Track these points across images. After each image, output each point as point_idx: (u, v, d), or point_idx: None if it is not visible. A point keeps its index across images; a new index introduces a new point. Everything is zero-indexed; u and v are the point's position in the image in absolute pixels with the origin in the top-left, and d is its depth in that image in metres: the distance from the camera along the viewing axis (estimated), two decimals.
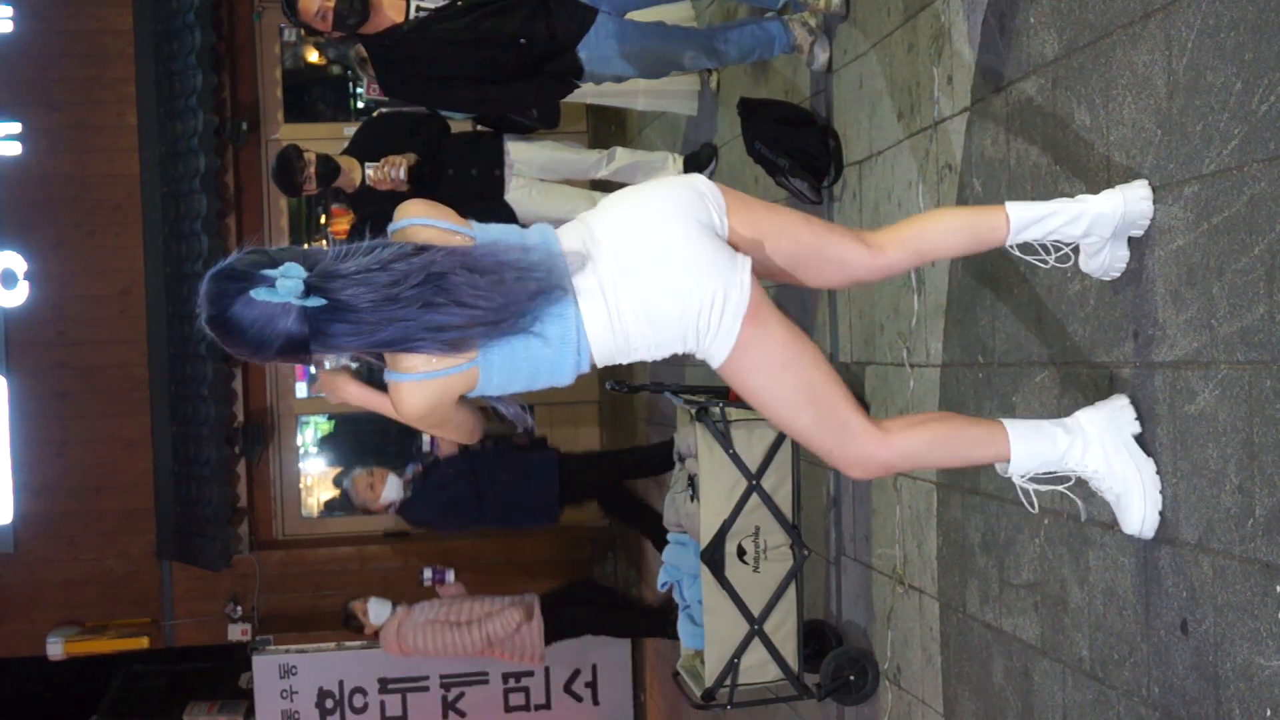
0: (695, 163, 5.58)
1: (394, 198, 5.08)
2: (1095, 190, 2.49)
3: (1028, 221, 2.45)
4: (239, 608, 8.04)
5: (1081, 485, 2.49)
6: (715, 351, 2.34)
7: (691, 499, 4.41)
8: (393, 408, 2.39)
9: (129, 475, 8.03)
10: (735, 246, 2.38)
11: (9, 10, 7.92)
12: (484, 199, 5.51)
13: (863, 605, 4.18)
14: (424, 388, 2.23)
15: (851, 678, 4.09)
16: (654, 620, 6.69)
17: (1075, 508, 2.65)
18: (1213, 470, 2.25)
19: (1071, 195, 2.52)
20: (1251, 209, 2.13)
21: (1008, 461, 2.45)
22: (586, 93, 5.12)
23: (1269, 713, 2.12)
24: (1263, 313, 2.10)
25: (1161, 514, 2.40)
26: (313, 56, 8.94)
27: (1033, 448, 2.42)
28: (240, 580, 8.12)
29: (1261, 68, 2.09)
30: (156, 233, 7.89)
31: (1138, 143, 2.46)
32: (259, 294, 2.09)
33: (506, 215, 5.46)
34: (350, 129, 6.65)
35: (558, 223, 2.44)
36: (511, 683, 7.67)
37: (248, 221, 8.19)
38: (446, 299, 2.14)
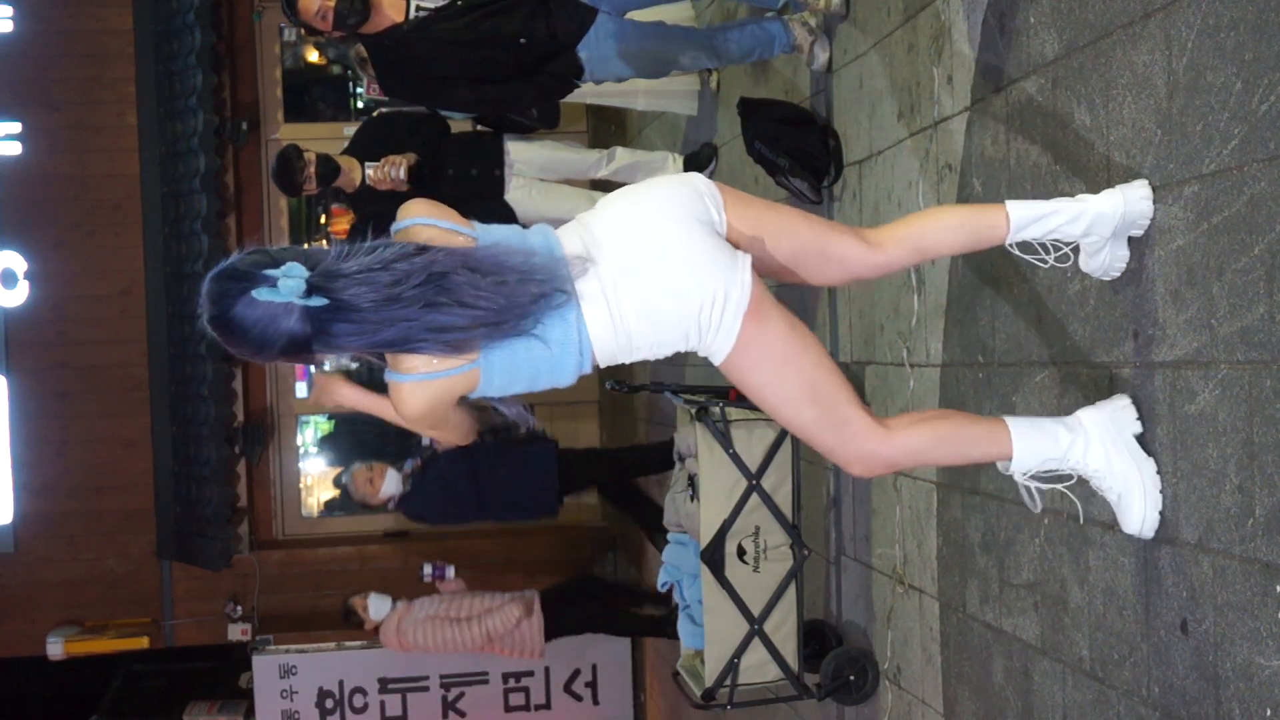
0: (695, 162, 5.58)
1: (394, 198, 5.09)
2: (1095, 190, 2.49)
3: (1028, 220, 2.45)
4: (239, 608, 8.04)
5: (1082, 485, 2.49)
6: (717, 349, 2.34)
7: (691, 499, 4.41)
8: (387, 409, 2.39)
9: (129, 475, 8.03)
10: (735, 244, 2.38)
11: (9, 10, 7.92)
12: (484, 199, 5.51)
13: (863, 605, 4.18)
14: (425, 388, 2.23)
15: (851, 677, 4.09)
16: (654, 619, 6.69)
17: (1075, 508, 2.65)
18: (1213, 470, 2.25)
19: (1071, 195, 2.52)
20: (1251, 209, 2.13)
21: (1009, 459, 2.45)
22: (586, 93, 5.12)
23: (1269, 713, 2.12)
24: (1263, 313, 2.10)
25: (1161, 514, 2.40)
26: (313, 56, 8.94)
27: (1034, 445, 2.42)
28: (240, 580, 8.12)
29: (1261, 68, 2.09)
30: (156, 233, 7.89)
31: (1138, 142, 2.46)
32: (261, 294, 2.09)
33: (506, 215, 5.46)
34: (350, 129, 6.65)
35: (558, 222, 2.44)
36: (511, 683, 7.67)
37: (248, 221, 8.19)
38: (448, 299, 2.14)
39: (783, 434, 4.16)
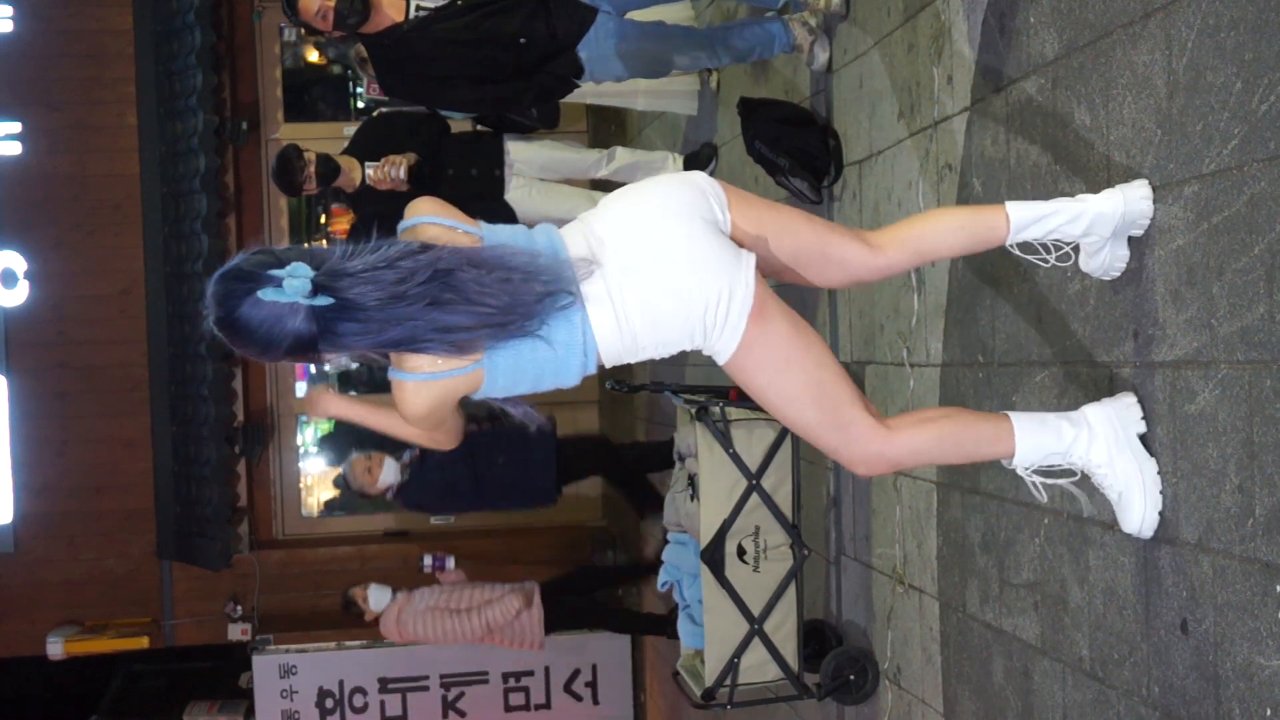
0: (695, 162, 5.58)
1: (394, 197, 5.10)
2: (1095, 190, 2.49)
3: (1028, 221, 2.45)
4: (239, 607, 8.04)
5: (1085, 481, 2.50)
6: (721, 349, 2.34)
7: (691, 498, 4.41)
8: (379, 419, 2.41)
9: (129, 475, 8.03)
10: (738, 240, 2.38)
11: (9, 10, 7.92)
12: (484, 199, 5.51)
13: (863, 605, 4.18)
14: (429, 388, 2.23)
15: (851, 677, 4.10)
16: (654, 616, 6.69)
17: (1076, 507, 2.65)
18: (1213, 470, 2.25)
19: (1071, 195, 2.52)
20: (1251, 209, 2.13)
21: (1012, 456, 2.45)
22: (586, 93, 5.12)
23: (1269, 712, 2.12)
24: (1263, 312, 2.10)
25: (1161, 514, 2.40)
26: (313, 56, 8.94)
27: (1037, 441, 2.42)
28: (240, 580, 8.12)
29: (1261, 67, 2.09)
30: (156, 233, 7.89)
31: (1138, 142, 2.46)
32: (266, 294, 2.08)
33: (506, 215, 5.46)
34: (350, 129, 6.65)
35: (558, 222, 2.44)
36: (511, 682, 7.68)
37: (248, 221, 8.18)
38: (454, 296, 2.14)
39: (783, 434, 4.16)
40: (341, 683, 7.56)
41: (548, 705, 7.71)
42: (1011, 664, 3.10)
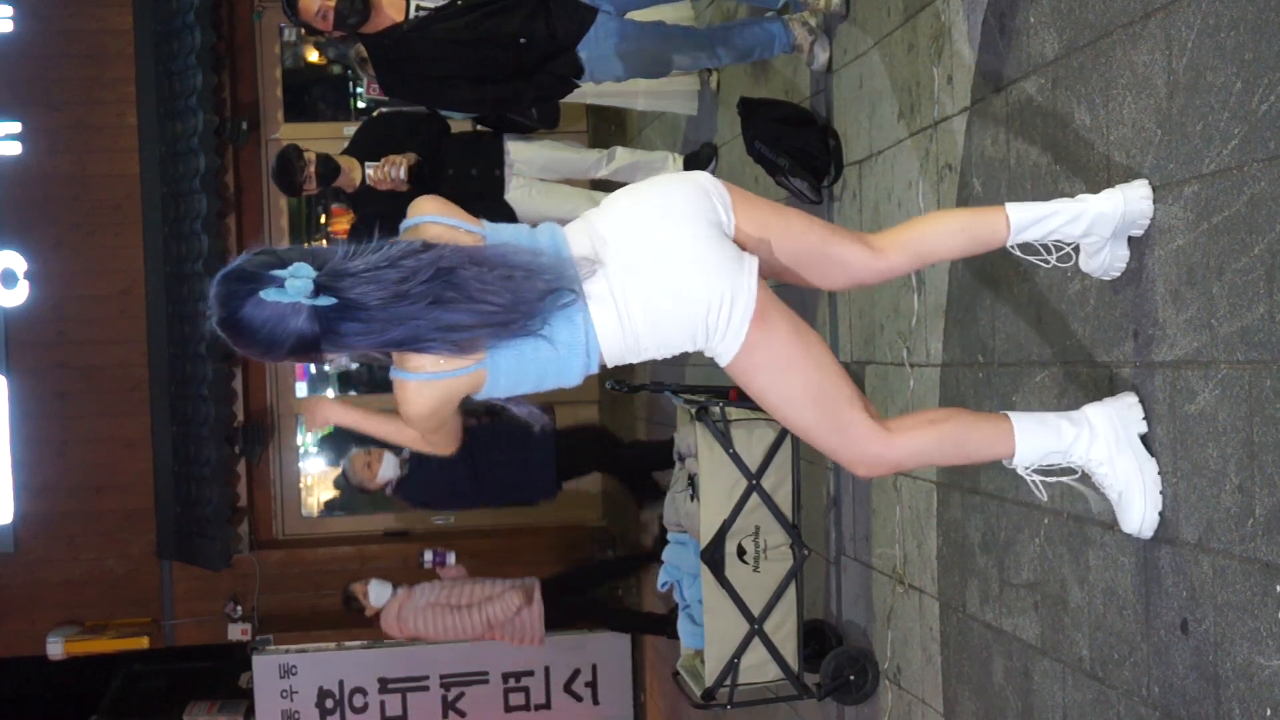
0: (695, 162, 5.58)
1: (394, 197, 5.10)
2: (1095, 190, 2.49)
3: (1028, 222, 2.45)
4: (239, 607, 8.04)
5: (1085, 480, 2.50)
6: (723, 351, 2.35)
7: (691, 499, 4.41)
8: (380, 426, 2.41)
9: (129, 475, 8.03)
10: (741, 245, 2.38)
11: (9, 10, 7.92)
12: (484, 199, 5.51)
13: (863, 605, 4.18)
14: (431, 388, 2.23)
15: (851, 677, 4.09)
16: (654, 617, 6.69)
17: (1076, 507, 2.65)
18: (1213, 470, 2.25)
19: (1071, 195, 2.52)
20: (1251, 208, 2.13)
21: (1013, 456, 2.45)
22: (586, 93, 5.12)
23: (1269, 712, 2.12)
24: (1263, 312, 2.10)
25: (1161, 514, 2.40)
26: (313, 56, 8.94)
27: (1037, 441, 2.42)
28: (240, 580, 8.12)
29: (1261, 67, 2.09)
30: (156, 233, 7.89)
31: (1138, 142, 2.46)
32: (269, 294, 2.08)
33: (507, 215, 5.46)
34: (350, 129, 6.66)
35: (560, 223, 2.44)
36: (511, 682, 7.68)
37: (248, 221, 8.18)
38: (456, 294, 2.14)
39: (783, 434, 4.17)
40: (341, 683, 7.56)
41: (548, 705, 7.71)
42: (1011, 664, 3.10)
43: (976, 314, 3.23)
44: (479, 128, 5.88)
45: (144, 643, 7.88)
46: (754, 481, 4.17)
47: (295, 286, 2.08)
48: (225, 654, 8.33)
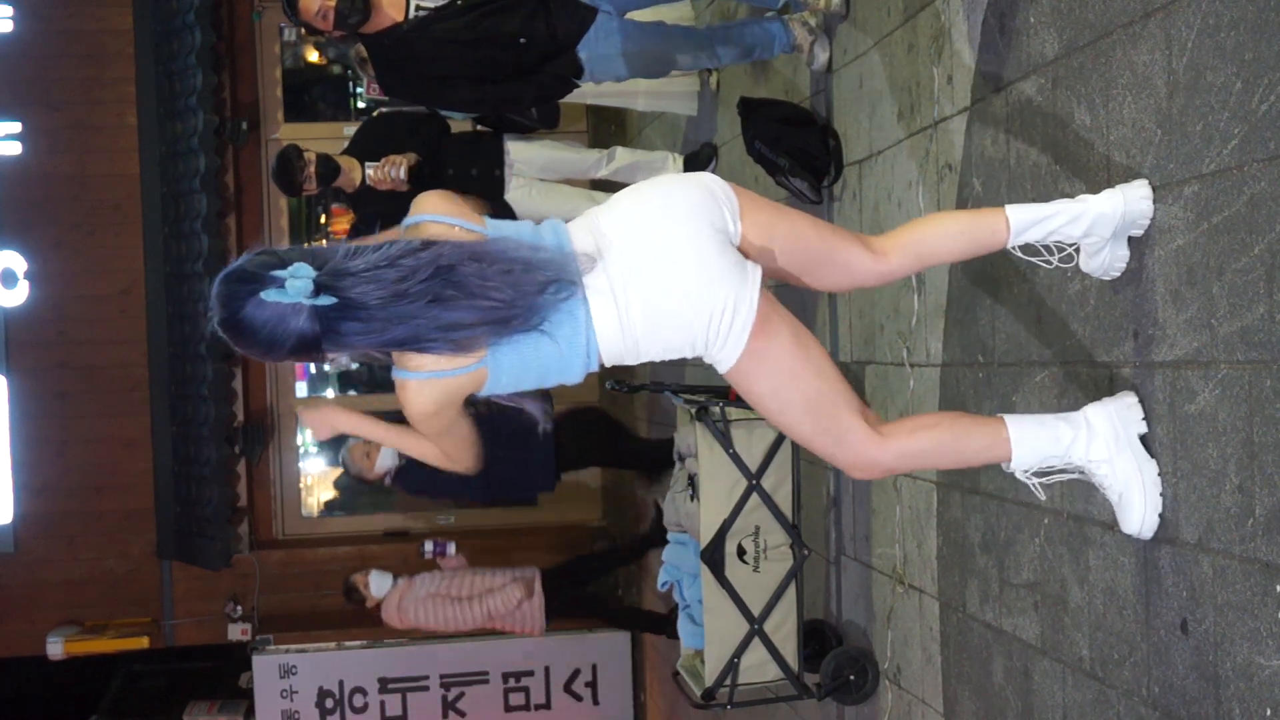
0: (695, 162, 5.58)
1: (394, 198, 5.10)
2: (1095, 190, 2.49)
3: (1028, 224, 2.45)
4: (239, 607, 8.04)
5: (1084, 482, 2.50)
6: (722, 359, 2.35)
7: (691, 499, 4.41)
8: (387, 433, 2.41)
9: (129, 475, 8.02)
10: (745, 250, 2.37)
11: (9, 10, 7.92)
12: (484, 199, 5.50)
13: (863, 605, 4.18)
14: (432, 386, 2.23)
15: (851, 677, 4.10)
16: (654, 616, 6.69)
17: (1076, 507, 2.65)
18: (1213, 470, 2.25)
19: (1071, 195, 2.52)
20: (1251, 208, 2.13)
21: (1009, 460, 2.45)
22: (586, 93, 5.12)
23: (1269, 712, 2.12)
24: (1263, 312, 2.10)
25: (1161, 514, 2.40)
26: (313, 56, 8.94)
27: (1035, 445, 2.42)
28: (240, 580, 8.11)
29: (1261, 67, 2.09)
30: (156, 233, 7.89)
31: (1138, 142, 2.46)
32: (269, 295, 2.08)
33: (507, 215, 5.44)
34: (350, 129, 6.66)
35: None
36: (511, 682, 7.68)
37: (248, 221, 8.18)
38: (456, 291, 2.14)
39: (783, 434, 4.16)
40: (341, 683, 7.56)
41: (548, 705, 7.71)
42: (1011, 664, 3.10)
43: (976, 314, 3.23)
44: (479, 128, 5.88)
45: (144, 643, 7.88)
46: (754, 481, 4.17)
47: (295, 286, 2.08)
48: (225, 654, 8.33)
